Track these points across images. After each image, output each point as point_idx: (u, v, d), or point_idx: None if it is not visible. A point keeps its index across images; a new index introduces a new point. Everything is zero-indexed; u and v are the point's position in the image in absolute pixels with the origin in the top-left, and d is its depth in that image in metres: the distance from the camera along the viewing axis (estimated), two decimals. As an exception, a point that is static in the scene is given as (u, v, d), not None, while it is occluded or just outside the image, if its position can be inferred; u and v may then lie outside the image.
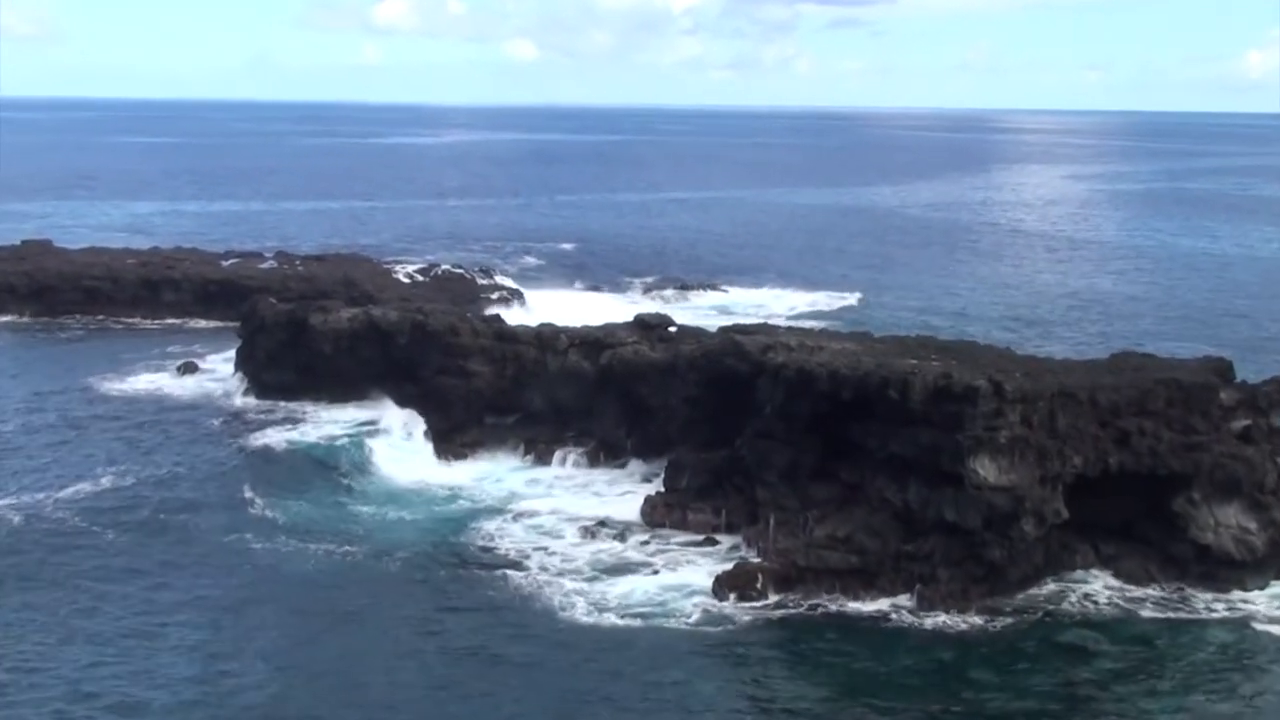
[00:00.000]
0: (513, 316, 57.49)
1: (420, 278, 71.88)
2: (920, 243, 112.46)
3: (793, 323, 61.46)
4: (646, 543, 37.60)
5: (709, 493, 39.79)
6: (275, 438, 46.51)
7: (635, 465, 44.08)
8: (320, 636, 30.62)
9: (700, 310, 73.53)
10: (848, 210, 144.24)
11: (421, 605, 32.52)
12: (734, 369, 42.33)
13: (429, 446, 45.91)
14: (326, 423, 48.65)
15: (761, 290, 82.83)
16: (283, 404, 51.14)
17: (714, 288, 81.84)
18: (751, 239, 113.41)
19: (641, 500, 40.05)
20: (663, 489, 40.79)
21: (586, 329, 49.39)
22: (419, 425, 47.13)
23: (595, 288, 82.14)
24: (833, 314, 74.20)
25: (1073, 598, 33.87)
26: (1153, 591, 34.14)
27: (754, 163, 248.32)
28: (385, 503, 40.44)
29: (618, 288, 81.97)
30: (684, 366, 44.36)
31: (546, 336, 48.62)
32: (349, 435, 46.80)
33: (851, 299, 79.72)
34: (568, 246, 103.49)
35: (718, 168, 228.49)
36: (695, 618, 32.21)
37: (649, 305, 71.38)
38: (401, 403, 48.95)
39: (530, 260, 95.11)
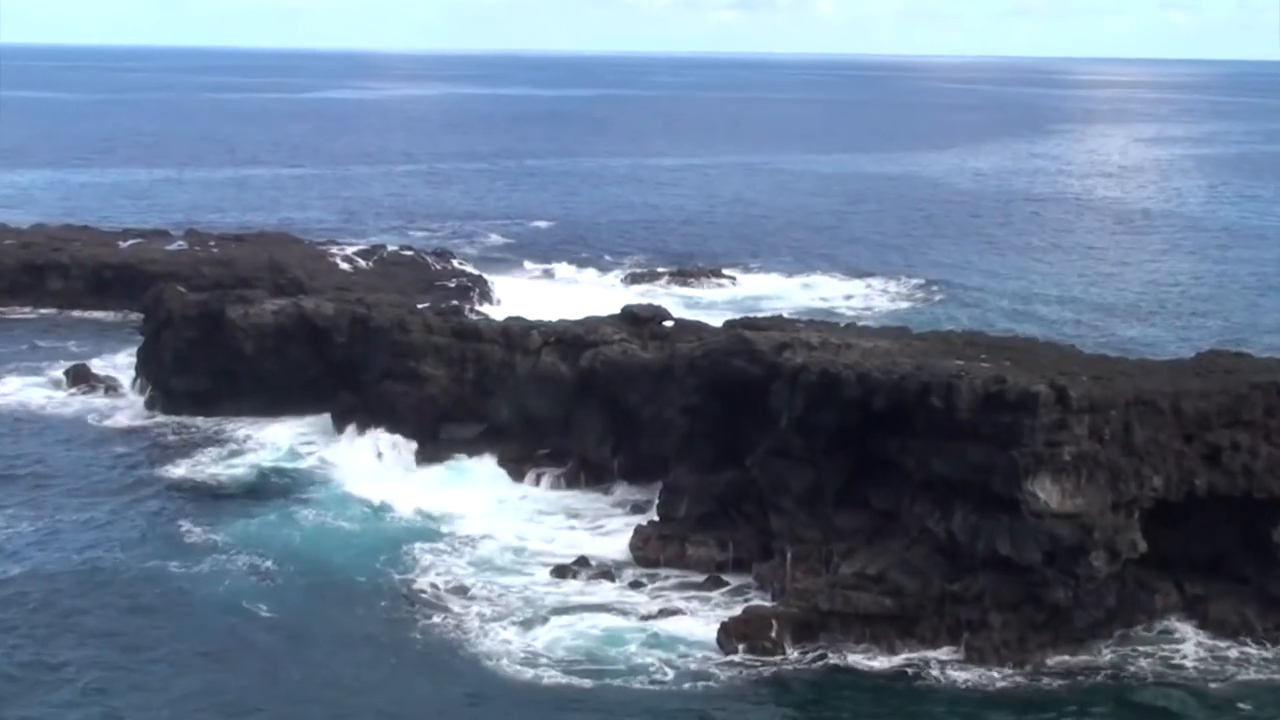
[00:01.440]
0: (475, 309, 57.52)
1: (362, 262, 71.88)
2: (969, 219, 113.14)
3: (814, 316, 61.43)
4: (637, 584, 37.60)
5: (712, 523, 39.89)
6: (188, 468, 45.72)
7: (622, 490, 44.25)
8: (213, 677, 30.81)
9: (702, 302, 73.77)
10: (881, 180, 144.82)
11: (347, 654, 32.43)
12: (743, 372, 42.40)
13: (376, 465, 46.17)
14: (250, 445, 48.47)
15: (775, 278, 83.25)
16: (197, 422, 50.89)
17: (718, 275, 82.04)
18: (764, 216, 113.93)
19: (630, 533, 40.11)
20: (656, 518, 40.90)
21: (564, 324, 49.44)
22: (360, 441, 47.25)
23: (575, 275, 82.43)
24: (863, 305, 74.63)
25: (1152, 650, 33.83)
26: (1251, 649, 34.11)
27: (766, 123, 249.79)
28: (321, 532, 40.48)
29: (602, 275, 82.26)
30: (682, 369, 44.46)
31: (515, 333, 48.70)
32: (275, 460, 46.83)
33: (886, 287, 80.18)
34: (541, 225, 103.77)
35: (721, 129, 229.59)
36: (694, 675, 32.02)
37: (640, 296, 71.39)
38: (340, 414, 49.16)
39: (495, 240, 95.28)
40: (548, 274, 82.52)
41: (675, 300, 71.66)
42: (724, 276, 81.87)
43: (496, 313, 61.18)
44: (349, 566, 37.68)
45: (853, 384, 37.80)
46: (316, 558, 38.24)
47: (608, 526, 41.55)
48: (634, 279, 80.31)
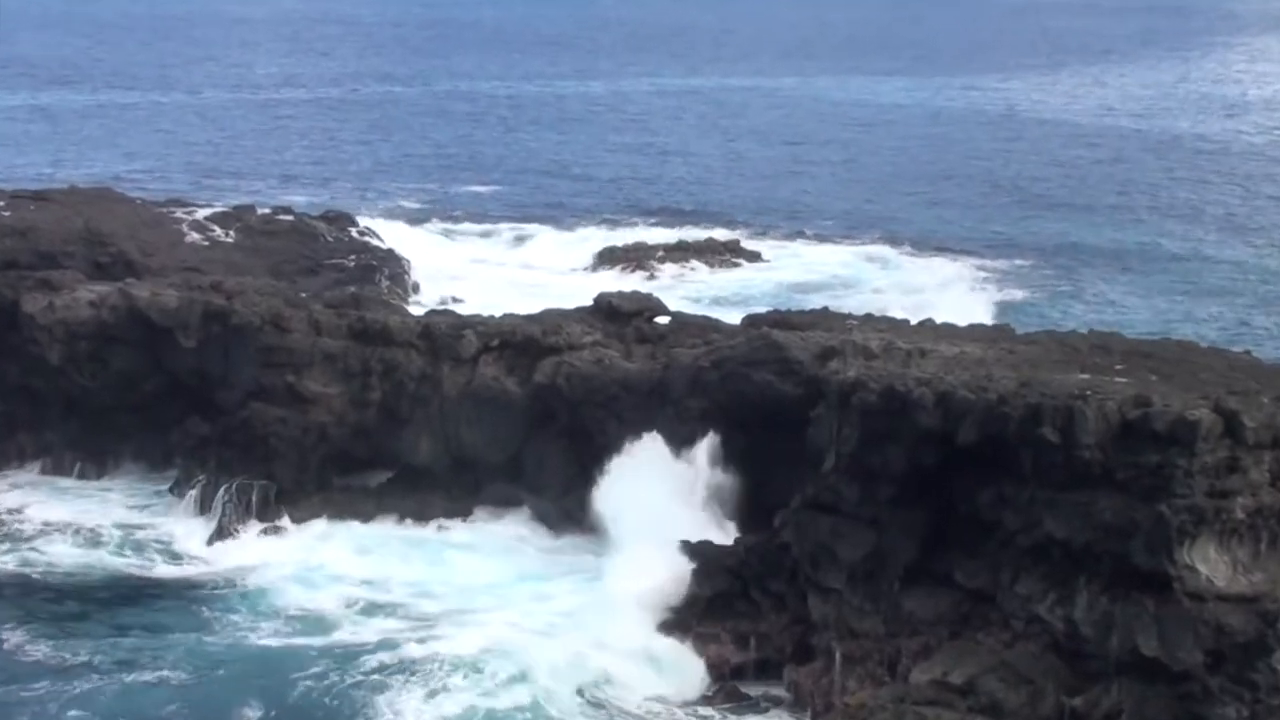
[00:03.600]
0: (384, 299, 57.35)
1: (221, 232, 71.46)
2: (1096, 173, 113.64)
3: (873, 309, 61.26)
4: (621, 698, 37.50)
5: (727, 608, 39.96)
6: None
7: (599, 558, 44.09)
8: None
9: (712, 289, 73.99)
10: (967, 115, 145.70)
11: None
12: (771, 391, 42.54)
13: (246, 529, 46.64)
14: (46, 511, 48.25)
15: (816, 253, 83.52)
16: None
17: (734, 250, 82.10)
18: (800, 164, 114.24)
19: (611, 619, 40.07)
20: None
21: (511, 321, 49.60)
22: (216, 497, 47.47)
23: (527, 250, 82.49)
24: (942, 293, 74.50)
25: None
26: None
27: (799, 26, 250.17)
28: (158, 643, 40.25)
29: (567, 251, 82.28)
30: (682, 387, 44.55)
31: (441, 335, 48.73)
32: (85, 541, 46.60)
33: (979, 267, 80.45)
34: (477, 182, 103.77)
35: (737, 36, 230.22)
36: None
37: (621, 280, 71.23)
38: (188, 454, 49.28)
39: (411, 204, 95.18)
40: (488, 248, 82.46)
41: (672, 287, 71.72)
42: (742, 252, 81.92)
43: (415, 305, 60.95)
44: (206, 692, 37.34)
45: (929, 408, 37.74)
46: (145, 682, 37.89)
47: (578, 610, 41.41)
48: (612, 257, 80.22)
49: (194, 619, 41.59)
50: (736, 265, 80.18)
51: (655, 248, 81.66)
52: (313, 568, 44.35)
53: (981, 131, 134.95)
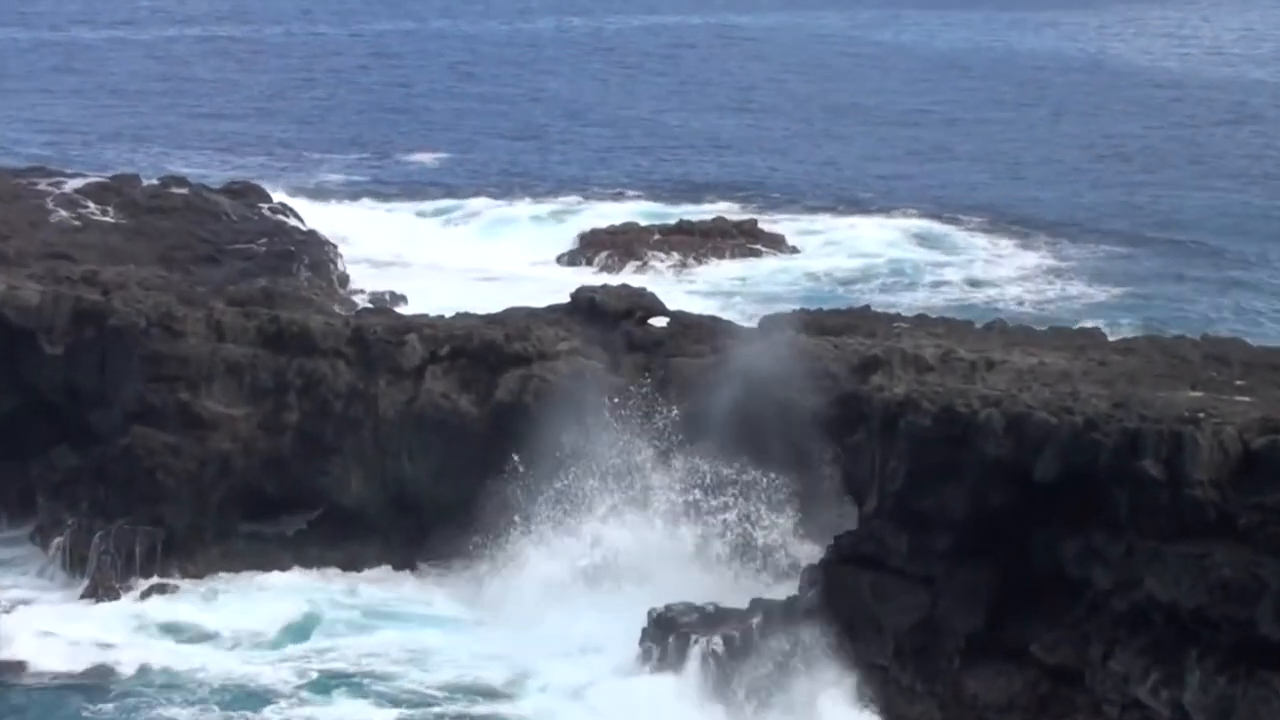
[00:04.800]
0: (304, 294, 57.20)
1: (96, 208, 71.33)
2: (1208, 131, 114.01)
3: (928, 308, 61.28)
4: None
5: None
6: None
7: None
8: None
9: (718, 280, 74.17)
10: (1032, 59, 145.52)
11: None
12: (797, 409, 42.21)
13: (127, 588, 46.46)
14: None
15: (854, 234, 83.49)
16: None
17: (749, 233, 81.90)
18: (825, 121, 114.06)
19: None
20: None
21: (466, 322, 49.64)
22: (90, 547, 47.15)
23: (485, 232, 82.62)
24: (1021, 289, 74.52)
25: None
26: None
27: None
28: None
29: (535, 233, 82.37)
30: (683, 403, 44.22)
31: (377, 339, 48.66)
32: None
33: (1061, 255, 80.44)
34: (426, 153, 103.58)
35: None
36: None
37: (604, 273, 71.45)
38: (54, 492, 49.12)
39: (339, 175, 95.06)
40: (436, 231, 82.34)
41: (671, 279, 71.70)
42: (759, 235, 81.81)
43: (343, 302, 60.79)
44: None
45: (999, 435, 37.75)
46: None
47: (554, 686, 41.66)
48: (595, 242, 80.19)
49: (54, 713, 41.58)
50: (752, 251, 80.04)
51: (649, 230, 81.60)
52: (212, 636, 44.27)
53: (1064, 80, 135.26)
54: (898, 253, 79.09)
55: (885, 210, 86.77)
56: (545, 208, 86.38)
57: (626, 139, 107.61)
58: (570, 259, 77.31)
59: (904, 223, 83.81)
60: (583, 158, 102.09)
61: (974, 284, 73.88)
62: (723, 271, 76.41)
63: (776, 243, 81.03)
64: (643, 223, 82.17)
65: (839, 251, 79.88)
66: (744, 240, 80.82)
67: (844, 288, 71.31)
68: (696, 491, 44.40)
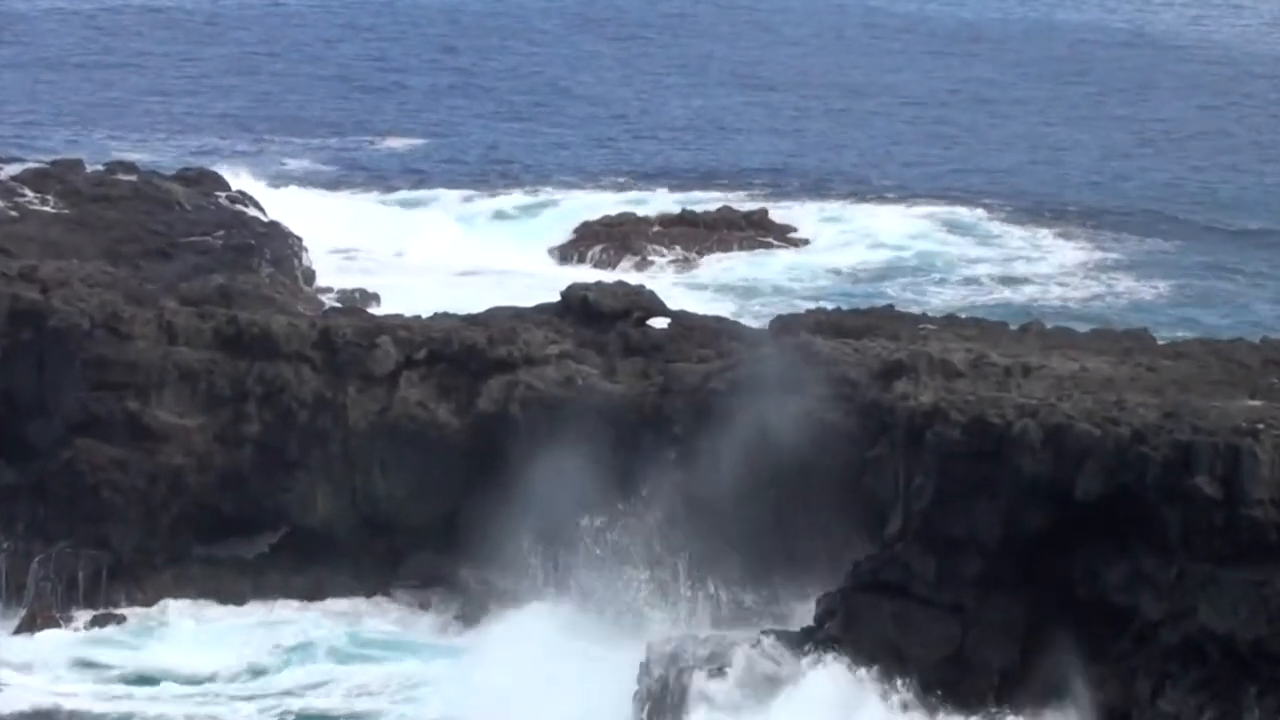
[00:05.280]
0: (264, 292, 57.15)
1: (35, 197, 71.29)
2: (1273, 109, 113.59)
3: (957, 307, 61.33)
4: None
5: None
6: None
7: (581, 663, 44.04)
8: None
9: (724, 276, 74.17)
10: (1073, 31, 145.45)
11: None
12: (808, 419, 42.32)
13: (70, 618, 46.49)
14: None
15: (874, 223, 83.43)
16: None
17: (759, 225, 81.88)
18: (845, 99, 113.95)
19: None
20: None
21: (445, 324, 49.64)
22: (29, 572, 47.20)
23: (466, 224, 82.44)
24: (1061, 286, 74.46)
25: None
26: None
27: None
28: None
29: (522, 225, 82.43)
30: (686, 417, 44.65)
31: (346, 342, 48.70)
32: None
33: (1104, 246, 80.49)
34: (401, 138, 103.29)
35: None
36: None
37: (599, 270, 71.47)
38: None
39: (304, 162, 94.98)
40: (412, 222, 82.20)
41: (673, 276, 71.73)
42: (769, 226, 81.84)
43: (308, 300, 60.74)
44: None
45: (1036, 448, 37.80)
46: None
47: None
48: (589, 235, 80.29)
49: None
50: (762, 244, 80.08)
51: (648, 221, 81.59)
52: (163, 673, 44.23)
53: (1106, 54, 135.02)
54: (924, 245, 78.91)
55: (910, 198, 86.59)
56: (532, 197, 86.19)
57: (622, 120, 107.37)
58: (561, 254, 77.20)
59: (931, 211, 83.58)
60: (574, 141, 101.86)
61: (1008, 280, 73.76)
62: (729, 267, 76.33)
63: (789, 235, 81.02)
64: (640, 213, 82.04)
65: (858, 244, 79.73)
66: (753, 232, 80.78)
67: (864, 284, 71.23)
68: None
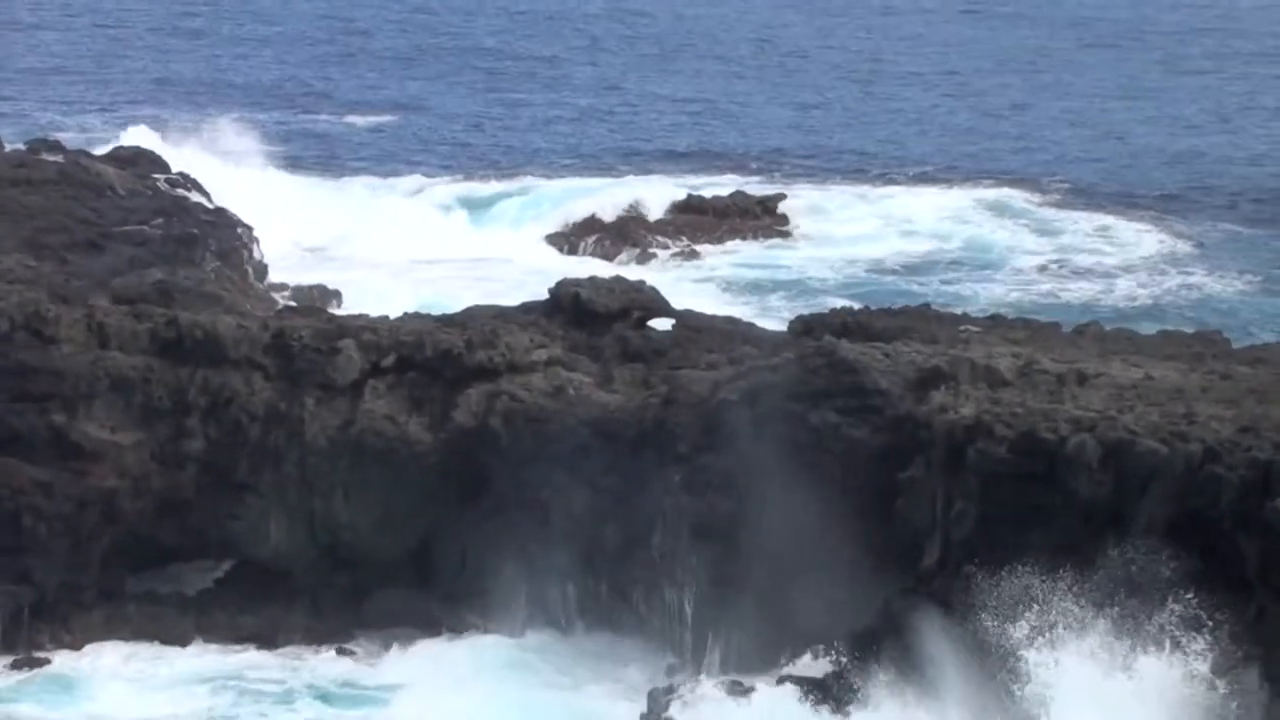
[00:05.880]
0: (208, 289, 57.25)
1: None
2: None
3: (1003, 305, 61.38)
4: None
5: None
6: None
7: None
8: None
9: (736, 270, 74.31)
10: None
11: None
12: (833, 435, 42.51)
13: None
14: None
15: (895, 197, 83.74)
16: None
17: (773, 215, 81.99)
18: (868, 66, 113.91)
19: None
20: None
21: (416, 326, 49.69)
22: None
23: (441, 209, 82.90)
24: (1130, 282, 74.52)
25: None
26: None
27: None
28: None
29: (505, 214, 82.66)
30: (692, 433, 44.73)
31: (304, 347, 48.68)
32: None
33: (1163, 230, 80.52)
34: (364, 113, 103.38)
35: None
36: None
37: (590, 262, 71.52)
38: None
39: (254, 139, 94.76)
40: (380, 209, 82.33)
41: (678, 270, 71.83)
42: (787, 215, 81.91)
43: (260, 298, 60.83)
44: None
45: (1094, 468, 37.90)
46: None
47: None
48: (581, 224, 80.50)
49: None
50: (780, 233, 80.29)
51: (650, 208, 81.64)
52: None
53: (1174, 18, 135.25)
54: (966, 234, 79.10)
55: (948, 180, 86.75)
56: (517, 181, 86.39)
57: (619, 93, 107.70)
58: (549, 245, 77.40)
59: (975, 195, 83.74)
60: (565, 118, 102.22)
61: (1063, 274, 73.83)
62: (743, 260, 76.49)
63: (810, 223, 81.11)
64: (641, 198, 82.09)
65: (890, 232, 79.92)
66: (769, 220, 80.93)
67: (897, 279, 71.34)
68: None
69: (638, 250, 76.27)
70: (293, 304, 61.38)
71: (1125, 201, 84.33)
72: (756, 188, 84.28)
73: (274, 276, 68.55)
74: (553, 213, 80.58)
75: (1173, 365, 43.65)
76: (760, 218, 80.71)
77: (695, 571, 43.97)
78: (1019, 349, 45.03)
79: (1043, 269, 75.13)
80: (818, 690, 40.57)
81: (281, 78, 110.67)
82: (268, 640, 46.88)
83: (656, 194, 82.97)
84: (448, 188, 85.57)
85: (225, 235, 69.76)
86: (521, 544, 45.59)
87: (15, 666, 46.11)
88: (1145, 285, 73.16)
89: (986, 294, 68.59)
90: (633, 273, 60.76)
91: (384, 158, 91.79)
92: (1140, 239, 79.13)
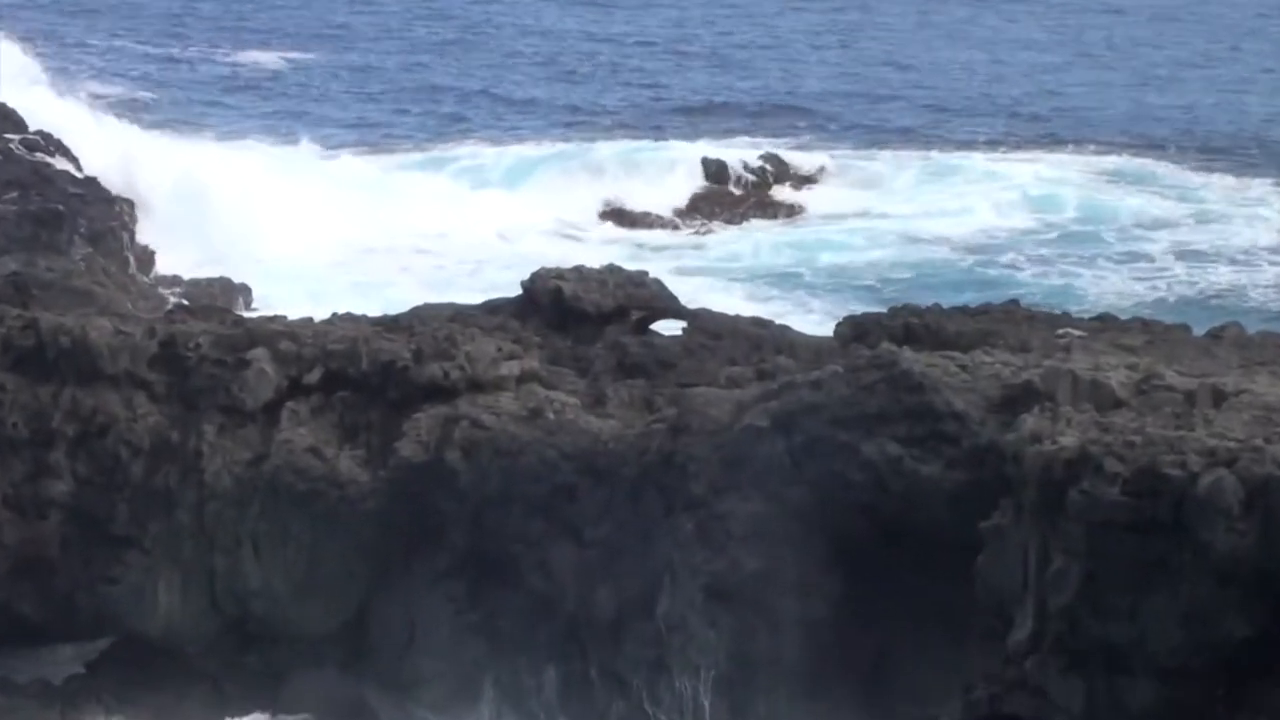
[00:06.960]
0: (76, 285, 57.38)
1: None
2: None
3: (1110, 303, 61.62)
4: None
5: None
6: None
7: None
8: None
9: (764, 258, 74.30)
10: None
11: None
12: (895, 475, 42.46)
13: None
14: None
15: (990, 171, 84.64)
16: None
17: (811, 185, 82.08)
18: (925, 10, 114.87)
19: None
20: None
21: (350, 331, 49.79)
22: None
23: (382, 187, 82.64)
24: (1268, 265, 74.61)
25: None
26: None
27: None
28: None
29: (460, 186, 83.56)
30: (712, 468, 44.50)
31: (203, 358, 48.65)
32: None
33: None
34: (287, 48, 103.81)
35: None
36: None
37: (587, 243, 71.62)
38: None
39: (127, 88, 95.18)
40: (292, 174, 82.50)
41: (689, 257, 72.07)
42: (830, 192, 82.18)
43: (145, 294, 60.90)
44: None
45: (1233, 514, 37.67)
46: None
47: None
48: (567, 198, 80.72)
49: None
50: (822, 213, 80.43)
51: (656, 177, 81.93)
52: None
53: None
54: (1067, 210, 79.23)
55: (1042, 141, 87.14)
56: (476, 145, 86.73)
57: (612, 39, 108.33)
58: (520, 223, 77.59)
59: (1077, 160, 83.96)
60: (539, 62, 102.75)
61: (1193, 258, 73.89)
62: (773, 245, 76.48)
63: (860, 196, 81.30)
64: (644, 166, 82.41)
65: (962, 208, 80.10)
66: (806, 193, 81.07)
67: (976, 268, 71.40)
68: None
69: (638, 230, 76.45)
70: (186, 302, 61.40)
71: (1273, 167, 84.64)
72: (790, 153, 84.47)
73: (161, 266, 68.49)
74: (526, 180, 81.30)
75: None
76: (799, 188, 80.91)
77: (713, 650, 43.66)
78: (1135, 359, 44.89)
79: (1164, 253, 75.12)
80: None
81: (173, 5, 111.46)
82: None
83: (665, 159, 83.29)
84: (384, 148, 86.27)
85: (99, 213, 69.96)
86: (486, 614, 45.57)
87: None
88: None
89: (1094, 286, 68.53)
90: (634, 261, 60.71)
91: (302, 107, 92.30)
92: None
